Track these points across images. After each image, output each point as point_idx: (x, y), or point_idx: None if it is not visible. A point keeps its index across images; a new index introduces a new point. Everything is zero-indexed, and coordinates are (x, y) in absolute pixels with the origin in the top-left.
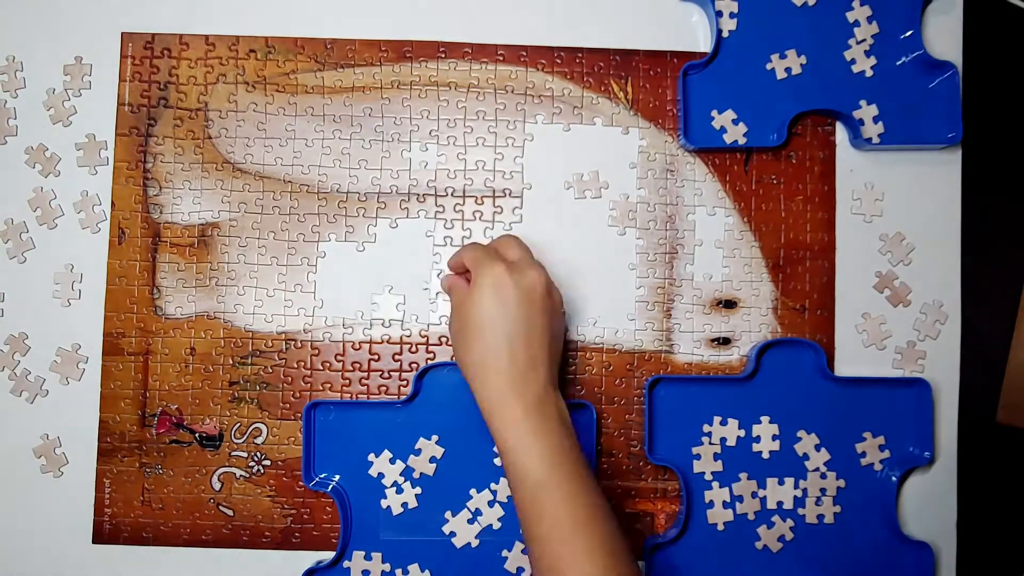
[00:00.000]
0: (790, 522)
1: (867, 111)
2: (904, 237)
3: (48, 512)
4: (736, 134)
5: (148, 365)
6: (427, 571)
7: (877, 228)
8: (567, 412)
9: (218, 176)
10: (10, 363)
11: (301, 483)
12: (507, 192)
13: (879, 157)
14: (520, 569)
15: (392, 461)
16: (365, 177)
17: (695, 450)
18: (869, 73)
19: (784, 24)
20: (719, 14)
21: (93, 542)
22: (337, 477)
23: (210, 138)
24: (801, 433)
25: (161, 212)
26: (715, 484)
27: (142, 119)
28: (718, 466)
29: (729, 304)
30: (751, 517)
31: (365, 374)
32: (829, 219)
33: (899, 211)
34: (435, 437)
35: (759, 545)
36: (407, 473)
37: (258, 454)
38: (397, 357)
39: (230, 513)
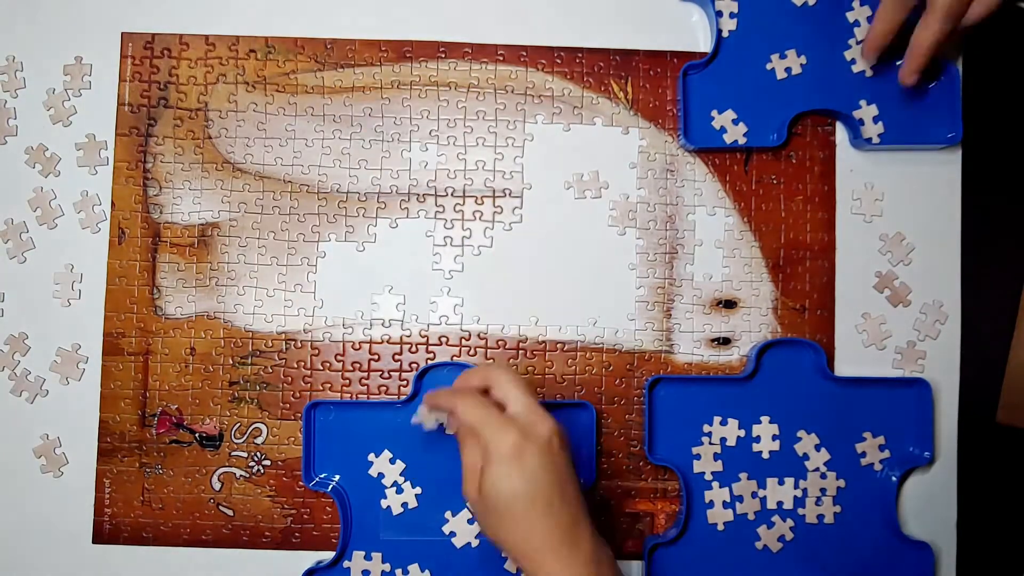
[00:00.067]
0: (790, 522)
1: (867, 111)
2: (904, 237)
3: (48, 512)
4: (736, 134)
5: (148, 365)
6: (427, 571)
7: (877, 228)
8: (612, 553)
9: (218, 176)
10: (10, 363)
11: (301, 483)
12: (507, 192)
13: (879, 157)
14: (520, 570)
15: (392, 461)
16: (365, 177)
17: (695, 450)
18: (869, 73)
19: (784, 24)
20: (719, 14)
21: (93, 542)
22: (337, 477)
23: (210, 138)
24: (801, 433)
25: (161, 212)
26: (715, 484)
27: (142, 119)
28: (718, 466)
29: (729, 304)
30: (751, 517)
31: (365, 374)
32: (829, 219)
33: (899, 211)
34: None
35: (759, 545)
36: (407, 473)
37: (258, 454)
38: (397, 357)
39: (230, 513)
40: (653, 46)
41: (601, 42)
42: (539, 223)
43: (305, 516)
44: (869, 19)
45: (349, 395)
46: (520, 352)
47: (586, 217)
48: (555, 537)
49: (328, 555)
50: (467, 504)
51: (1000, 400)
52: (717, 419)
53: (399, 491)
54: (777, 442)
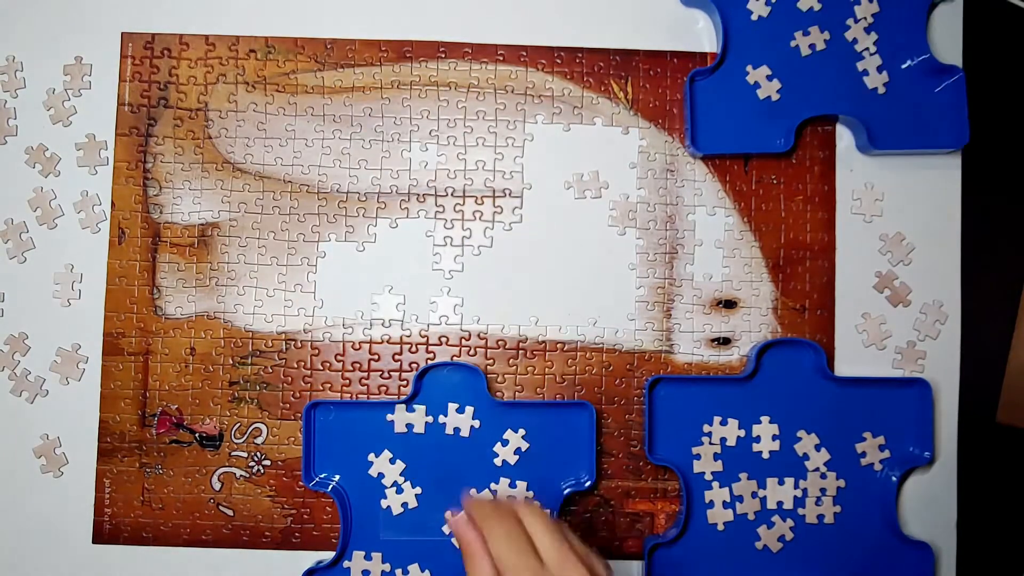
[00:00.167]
0: (790, 522)
1: (874, 116)
2: (904, 237)
3: (48, 512)
4: (743, 140)
5: (148, 365)
6: (427, 571)
7: (877, 228)
8: None
9: (218, 176)
10: (10, 363)
11: (301, 483)
12: (507, 192)
13: (879, 157)
14: None
15: (392, 461)
16: (365, 177)
17: (695, 450)
18: (876, 77)
19: (789, 29)
20: (725, 19)
21: (93, 542)
22: (337, 477)
23: (210, 138)
24: (801, 433)
25: (161, 212)
26: (715, 484)
27: (142, 119)
28: (718, 466)
29: (729, 304)
30: (751, 517)
31: (365, 374)
32: (829, 219)
33: (899, 211)
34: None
35: (759, 545)
36: (407, 473)
37: (258, 454)
38: (397, 357)
39: (230, 513)
40: (653, 46)
41: (601, 42)
42: (539, 223)
43: (305, 516)
44: (875, 24)
45: (349, 395)
46: (520, 352)
47: (586, 217)
48: None
49: (328, 555)
50: None
51: (1000, 400)
52: (717, 419)
53: (399, 491)
54: (777, 442)
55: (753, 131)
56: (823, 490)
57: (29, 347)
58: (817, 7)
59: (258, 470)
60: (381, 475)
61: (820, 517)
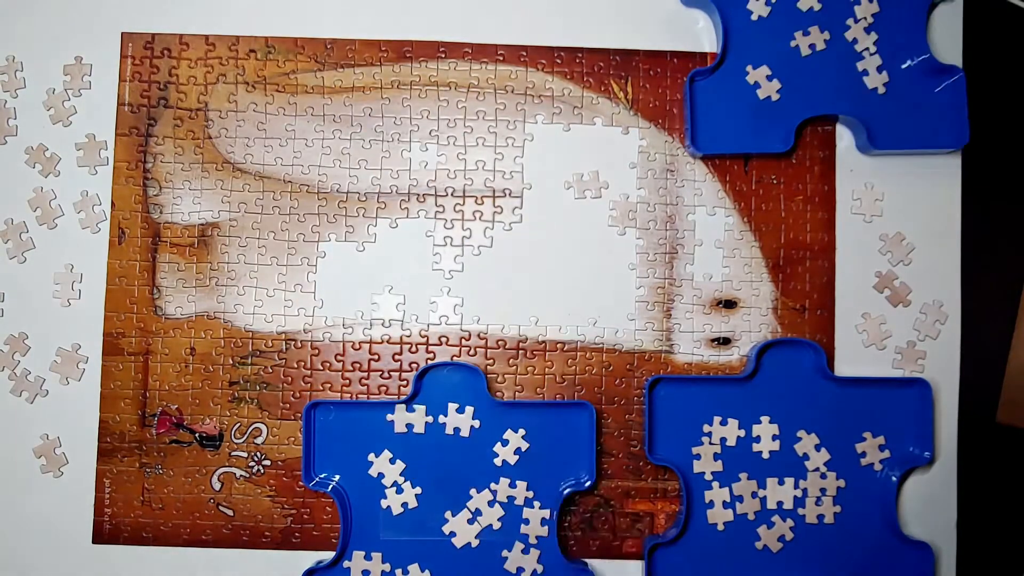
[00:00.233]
0: (790, 522)
1: (874, 116)
2: (904, 237)
3: (48, 512)
4: (743, 140)
5: (148, 365)
6: (427, 571)
7: (877, 228)
8: None
9: (218, 176)
10: (10, 363)
11: (301, 483)
12: (507, 192)
13: (879, 157)
14: (520, 569)
15: (392, 461)
16: (365, 177)
17: (695, 450)
18: (876, 77)
19: (789, 29)
20: (725, 19)
21: (93, 542)
22: (337, 477)
23: (210, 138)
24: (801, 433)
25: (161, 212)
26: (715, 484)
27: (142, 119)
28: (718, 466)
29: (729, 304)
30: (751, 517)
31: (365, 374)
32: (829, 219)
33: (899, 211)
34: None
35: (759, 545)
36: (407, 473)
37: (258, 454)
38: (397, 357)
39: (230, 513)
40: (653, 46)
41: (601, 42)
42: (539, 223)
43: (305, 516)
44: (875, 24)
45: (349, 395)
46: (520, 352)
47: (586, 217)
48: None
49: (328, 555)
50: None
51: (1000, 400)
52: (717, 419)
53: (399, 491)
54: (777, 442)
55: (753, 131)
56: (823, 490)
57: (29, 347)
58: (817, 7)
59: (258, 470)
60: (381, 475)
61: (820, 517)
